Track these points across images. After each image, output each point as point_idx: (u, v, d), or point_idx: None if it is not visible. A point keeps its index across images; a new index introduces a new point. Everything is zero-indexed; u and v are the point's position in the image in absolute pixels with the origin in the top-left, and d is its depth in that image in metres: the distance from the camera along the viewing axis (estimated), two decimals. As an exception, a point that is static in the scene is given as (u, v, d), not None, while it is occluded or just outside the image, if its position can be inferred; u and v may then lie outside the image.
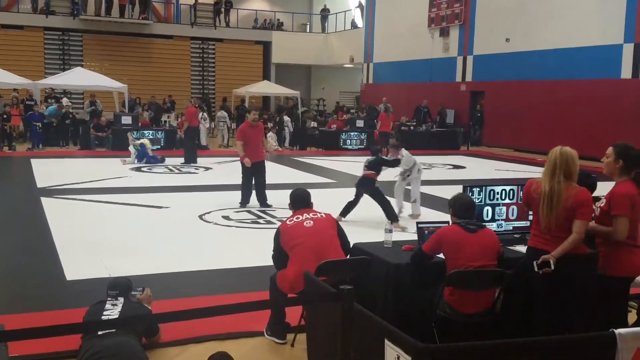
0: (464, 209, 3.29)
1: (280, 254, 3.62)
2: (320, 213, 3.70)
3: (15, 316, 3.85)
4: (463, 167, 12.95)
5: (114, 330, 2.94)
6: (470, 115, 18.05)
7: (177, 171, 11.08)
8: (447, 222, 3.48)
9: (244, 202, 7.62)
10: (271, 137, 14.77)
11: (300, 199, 3.77)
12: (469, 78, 18.20)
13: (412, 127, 17.12)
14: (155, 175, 10.57)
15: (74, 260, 5.14)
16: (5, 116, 14.30)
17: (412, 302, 3.29)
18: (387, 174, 7.10)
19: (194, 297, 4.24)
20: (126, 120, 14.24)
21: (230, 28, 23.11)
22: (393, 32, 20.70)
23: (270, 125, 15.82)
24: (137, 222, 6.76)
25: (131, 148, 12.01)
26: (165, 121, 16.85)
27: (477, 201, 3.72)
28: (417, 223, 3.74)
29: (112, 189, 8.81)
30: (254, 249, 5.51)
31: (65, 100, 17.22)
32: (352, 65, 24.24)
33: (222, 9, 22.85)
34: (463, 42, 18.24)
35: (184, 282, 4.69)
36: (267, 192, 7.72)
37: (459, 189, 3.76)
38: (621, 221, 3.05)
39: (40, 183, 9.14)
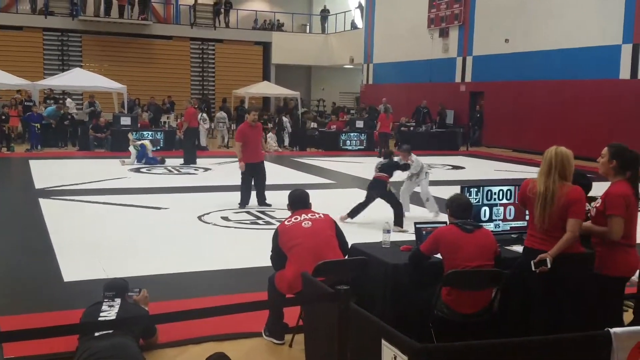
0: (461, 210, 3.30)
1: (278, 255, 3.63)
2: (318, 214, 3.71)
3: (11, 317, 3.84)
4: (462, 168, 12.96)
5: (111, 331, 2.94)
6: (469, 116, 18.07)
7: (176, 172, 11.08)
8: (445, 223, 3.49)
9: (244, 203, 7.62)
10: (271, 137, 14.78)
11: (298, 200, 3.78)
12: (468, 79, 18.21)
13: (411, 128, 17.14)
14: (155, 176, 10.57)
15: (71, 261, 5.13)
16: (3, 117, 14.28)
17: (411, 302, 3.29)
18: (397, 175, 7.12)
19: (192, 298, 4.23)
20: (125, 121, 14.23)
21: (230, 29, 23.11)
22: (393, 32, 20.72)
23: (270, 125, 15.84)
24: (135, 223, 6.76)
25: (131, 148, 12.02)
26: (164, 122, 16.86)
27: (474, 201, 3.74)
28: (415, 223, 3.75)
29: (110, 189, 8.80)
30: (252, 249, 5.51)
31: (69, 102, 17.23)
32: (352, 66, 24.25)
33: (222, 10, 22.85)
34: (462, 42, 18.25)
35: (183, 283, 4.69)
36: (267, 192, 7.72)
37: (457, 189, 3.77)
38: (616, 221, 3.07)
39: (38, 184, 9.13)
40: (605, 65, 13.98)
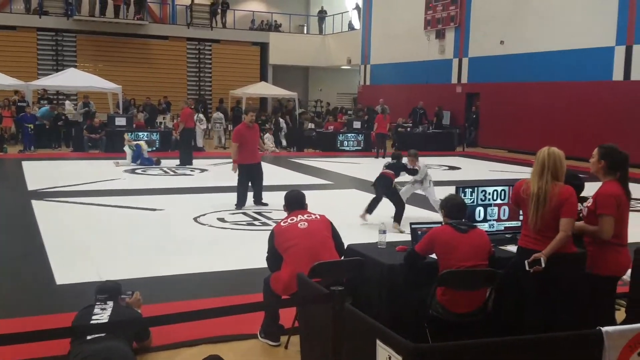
0: (456, 210, 3.31)
1: (274, 256, 3.62)
2: (314, 214, 3.70)
3: (3, 321, 3.80)
4: (458, 168, 12.99)
5: (103, 334, 2.91)
6: (465, 117, 18.12)
7: (172, 173, 11.05)
8: (441, 223, 3.49)
9: (240, 204, 7.60)
10: (268, 138, 14.77)
11: (294, 201, 3.77)
12: (464, 80, 18.26)
13: (408, 129, 17.18)
14: (150, 177, 10.53)
15: (64, 264, 5.08)
16: (-4, 118, 14.23)
17: (406, 302, 3.29)
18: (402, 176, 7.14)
19: (187, 300, 4.22)
20: (120, 121, 14.17)
21: (227, 29, 23.09)
22: (390, 34, 20.76)
23: (267, 126, 15.83)
24: (130, 225, 6.72)
25: (126, 149, 11.97)
26: (160, 123, 16.81)
27: (469, 202, 3.75)
28: (411, 224, 3.75)
29: (105, 191, 8.76)
30: (248, 251, 5.49)
31: (68, 104, 17.15)
32: (349, 67, 24.28)
33: (219, 10, 22.83)
34: (458, 44, 18.31)
35: (177, 285, 4.66)
36: (264, 193, 7.71)
37: (453, 190, 3.78)
38: (607, 220, 3.09)
39: (31, 186, 9.06)
40: (599, 66, 14.06)
